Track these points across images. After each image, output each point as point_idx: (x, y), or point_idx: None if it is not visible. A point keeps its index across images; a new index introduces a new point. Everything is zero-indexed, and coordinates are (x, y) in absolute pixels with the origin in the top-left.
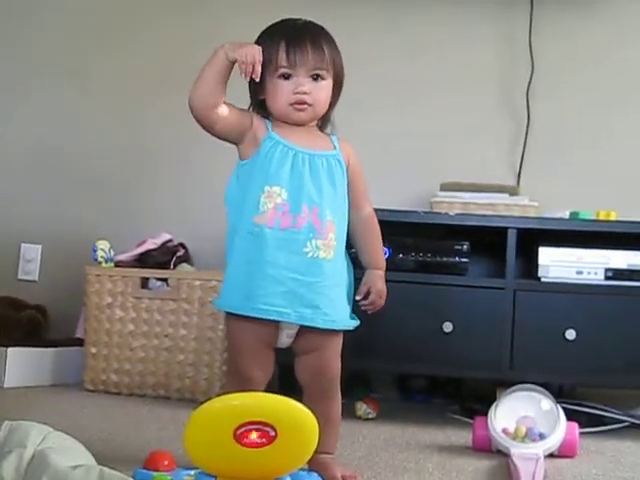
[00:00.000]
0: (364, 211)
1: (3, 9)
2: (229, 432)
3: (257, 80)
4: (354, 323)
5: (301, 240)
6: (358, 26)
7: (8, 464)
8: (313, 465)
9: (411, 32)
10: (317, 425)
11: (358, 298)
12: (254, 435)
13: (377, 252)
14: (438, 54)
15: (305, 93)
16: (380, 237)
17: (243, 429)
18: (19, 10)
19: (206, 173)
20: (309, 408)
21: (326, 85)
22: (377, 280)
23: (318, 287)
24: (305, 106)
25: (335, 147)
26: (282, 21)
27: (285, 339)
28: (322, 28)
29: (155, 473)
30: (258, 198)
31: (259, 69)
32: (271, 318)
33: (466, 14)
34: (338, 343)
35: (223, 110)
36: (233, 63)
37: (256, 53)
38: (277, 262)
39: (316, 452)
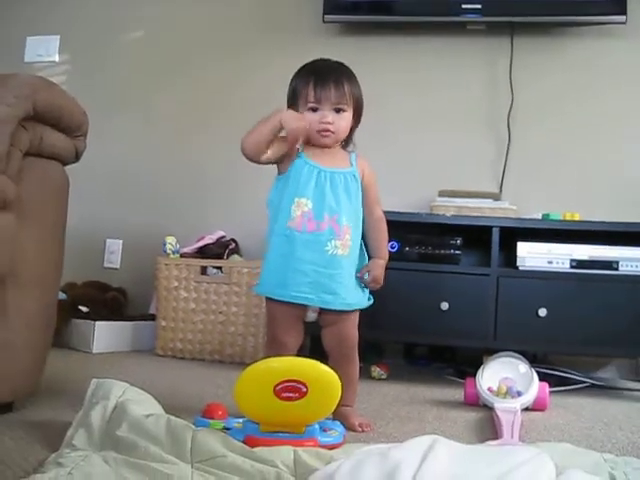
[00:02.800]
0: (375, 215)
1: (95, 59)
2: (270, 388)
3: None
4: (367, 303)
5: (323, 241)
6: (377, 69)
7: (95, 413)
8: (336, 415)
9: (415, 75)
10: (340, 383)
11: (358, 276)
12: (290, 390)
13: (382, 246)
14: (437, 91)
15: (329, 123)
16: (386, 235)
17: (281, 386)
18: (107, 60)
19: (252, 184)
20: (333, 369)
21: (347, 116)
22: (377, 267)
23: (337, 277)
24: (329, 133)
25: (352, 165)
26: (314, 62)
27: (311, 314)
28: (346, 68)
29: (211, 421)
30: (290, 207)
31: (299, 142)
32: (299, 302)
33: (458, 60)
34: (355, 317)
35: (268, 153)
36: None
37: (302, 132)
38: (304, 258)
39: (339, 405)
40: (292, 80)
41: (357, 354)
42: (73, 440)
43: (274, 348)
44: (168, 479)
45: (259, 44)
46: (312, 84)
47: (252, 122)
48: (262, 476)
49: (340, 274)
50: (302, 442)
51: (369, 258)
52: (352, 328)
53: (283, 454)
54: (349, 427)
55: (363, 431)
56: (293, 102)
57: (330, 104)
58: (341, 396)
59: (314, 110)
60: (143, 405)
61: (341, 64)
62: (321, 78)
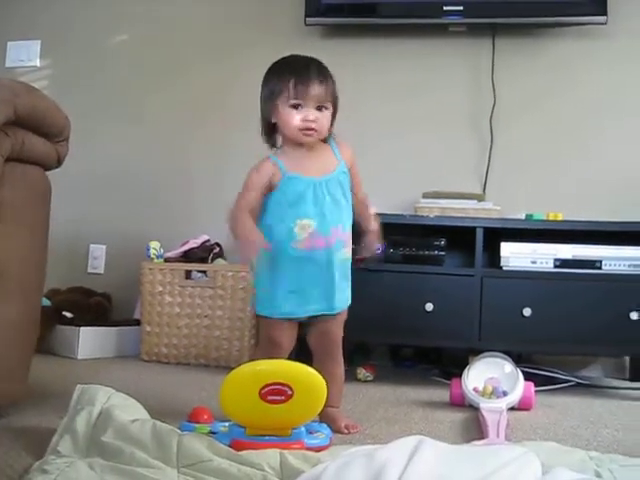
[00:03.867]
0: (360, 194)
1: (77, 63)
2: (255, 391)
3: None
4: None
5: (334, 252)
6: (359, 71)
7: (80, 419)
8: (323, 417)
9: (397, 77)
10: (325, 385)
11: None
12: (275, 393)
13: (369, 216)
14: (419, 93)
15: (312, 121)
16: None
17: (266, 389)
18: (90, 64)
19: (236, 187)
20: (318, 370)
21: (328, 114)
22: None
23: (345, 280)
24: (312, 132)
25: (339, 160)
26: (290, 57)
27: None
28: (322, 64)
29: (197, 425)
30: (292, 228)
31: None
32: (319, 314)
33: (440, 61)
34: (343, 316)
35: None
36: None
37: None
38: (319, 277)
39: (325, 406)
40: (268, 78)
41: (341, 353)
42: (58, 446)
43: (269, 349)
44: None
45: (241, 47)
46: (294, 81)
47: (235, 126)
48: (249, 479)
49: (347, 276)
50: (289, 445)
51: (360, 233)
52: (338, 327)
53: (269, 457)
54: (335, 429)
55: (349, 433)
56: (271, 100)
57: (313, 102)
58: (327, 397)
59: (296, 107)
60: (128, 410)
61: (316, 59)
62: (304, 75)
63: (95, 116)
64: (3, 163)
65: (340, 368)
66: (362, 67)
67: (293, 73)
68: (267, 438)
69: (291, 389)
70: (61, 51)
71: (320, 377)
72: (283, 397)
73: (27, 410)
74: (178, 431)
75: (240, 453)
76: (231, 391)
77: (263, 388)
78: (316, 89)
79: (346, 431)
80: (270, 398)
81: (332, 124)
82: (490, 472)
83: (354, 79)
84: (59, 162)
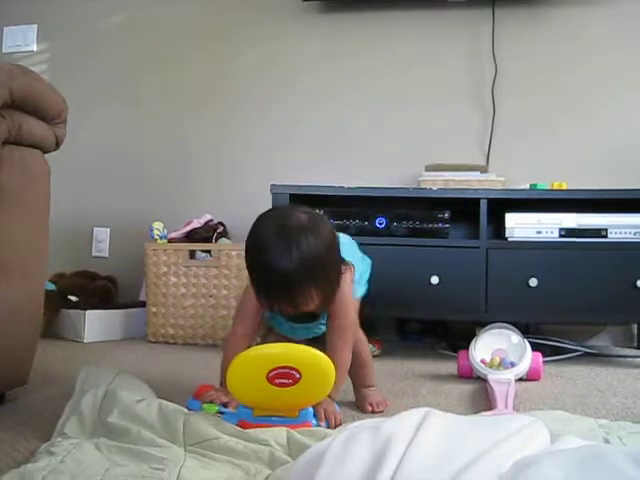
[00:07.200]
0: (337, 321)
1: (75, 46)
2: (263, 375)
3: None
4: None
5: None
6: (359, 46)
7: (86, 400)
8: (356, 397)
9: (397, 51)
10: (333, 368)
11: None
12: (283, 377)
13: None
14: (421, 66)
15: None
16: (349, 345)
17: (274, 372)
18: (87, 47)
19: (238, 166)
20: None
21: (318, 305)
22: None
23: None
24: None
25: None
26: (261, 258)
27: None
28: (305, 257)
29: (205, 405)
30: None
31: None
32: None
33: (440, 34)
34: None
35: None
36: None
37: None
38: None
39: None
40: (247, 257)
41: (354, 334)
42: (65, 428)
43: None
44: (161, 462)
45: (239, 27)
46: (269, 302)
47: (234, 105)
48: (256, 456)
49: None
50: (295, 426)
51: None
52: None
53: (276, 434)
54: (361, 409)
55: (373, 411)
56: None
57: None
58: (359, 377)
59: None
60: (134, 391)
61: (298, 243)
62: (283, 300)
63: (94, 99)
64: (0, 146)
65: (359, 347)
66: (361, 41)
67: (263, 292)
68: (274, 419)
69: (299, 372)
70: (58, 35)
71: (327, 360)
72: (291, 380)
73: (33, 394)
74: (184, 410)
75: (247, 431)
76: (238, 375)
77: (271, 371)
78: (289, 309)
79: (370, 409)
80: (278, 381)
81: (336, 289)
82: (498, 441)
83: (354, 53)
84: (57, 145)
